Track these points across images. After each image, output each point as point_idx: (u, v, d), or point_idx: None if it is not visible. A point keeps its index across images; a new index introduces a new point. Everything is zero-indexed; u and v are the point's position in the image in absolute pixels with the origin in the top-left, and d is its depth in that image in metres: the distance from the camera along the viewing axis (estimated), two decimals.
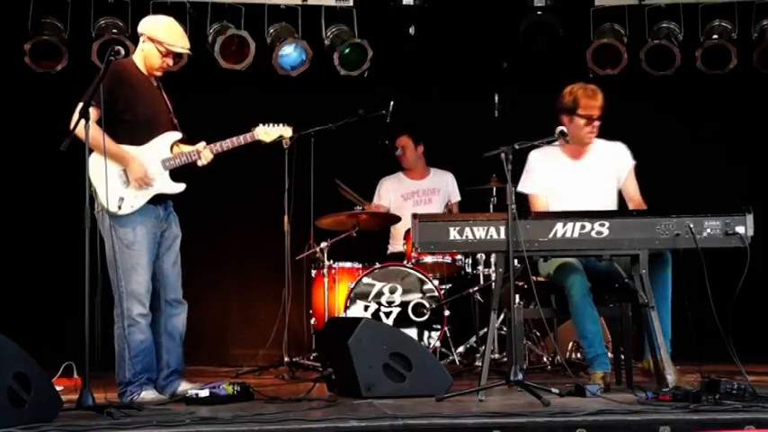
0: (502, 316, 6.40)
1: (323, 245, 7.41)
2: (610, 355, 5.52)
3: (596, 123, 5.49)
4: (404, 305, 7.12)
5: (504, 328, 6.68)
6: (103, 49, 6.90)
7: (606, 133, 5.63)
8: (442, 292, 7.23)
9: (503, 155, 5.04)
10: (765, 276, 6.71)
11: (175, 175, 5.33)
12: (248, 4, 7.76)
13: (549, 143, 5.34)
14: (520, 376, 4.74)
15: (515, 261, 5.00)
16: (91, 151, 4.95)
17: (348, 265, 7.44)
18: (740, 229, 4.98)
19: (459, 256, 7.31)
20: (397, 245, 7.87)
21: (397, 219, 7.76)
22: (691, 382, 5.01)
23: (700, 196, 7.66)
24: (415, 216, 5.13)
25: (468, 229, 5.05)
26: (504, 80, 8.16)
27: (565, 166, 5.60)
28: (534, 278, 5.19)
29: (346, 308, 7.05)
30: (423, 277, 7.15)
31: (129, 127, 5.21)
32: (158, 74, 5.39)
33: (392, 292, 7.13)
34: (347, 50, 7.87)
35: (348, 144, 7.81)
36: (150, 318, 5.22)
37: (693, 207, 5.05)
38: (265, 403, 4.91)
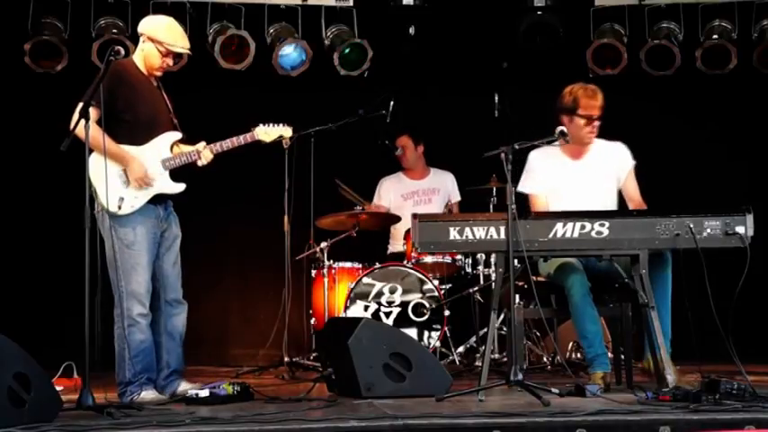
0: (502, 316, 6.40)
1: (323, 245, 7.41)
2: (610, 355, 5.52)
3: (596, 123, 5.49)
4: (404, 305, 7.12)
5: (504, 328, 6.68)
6: (103, 49, 6.90)
7: (606, 133, 5.64)
8: (442, 292, 7.23)
9: (503, 155, 5.04)
10: (765, 276, 6.71)
11: (175, 175, 5.33)
12: (248, 4, 7.76)
13: (548, 143, 5.34)
14: (520, 376, 4.74)
15: (515, 261, 5.00)
16: (91, 151, 4.95)
17: (348, 265, 7.43)
18: (740, 229, 4.98)
19: (459, 256, 7.31)
20: (397, 245, 7.87)
21: (397, 219, 7.77)
22: (691, 381, 5.01)
23: (700, 196, 7.66)
24: (414, 216, 5.13)
25: (468, 229, 5.05)
26: (504, 80, 8.16)
27: (565, 165, 5.60)
28: (534, 278, 5.19)
29: (346, 308, 7.05)
30: (423, 277, 7.15)
31: (129, 127, 5.21)
32: (158, 74, 5.39)
33: (392, 292, 7.13)
34: (347, 50, 7.86)
35: (348, 144, 7.81)
36: (150, 318, 5.22)
37: (693, 207, 5.05)
38: (265, 403, 4.91)
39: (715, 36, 7.83)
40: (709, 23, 7.85)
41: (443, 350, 7.25)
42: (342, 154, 7.94)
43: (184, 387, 5.25)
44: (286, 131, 5.62)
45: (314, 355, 7.23)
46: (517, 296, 5.55)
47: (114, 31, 7.54)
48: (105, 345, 5.18)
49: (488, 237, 5.04)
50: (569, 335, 6.87)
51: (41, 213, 7.87)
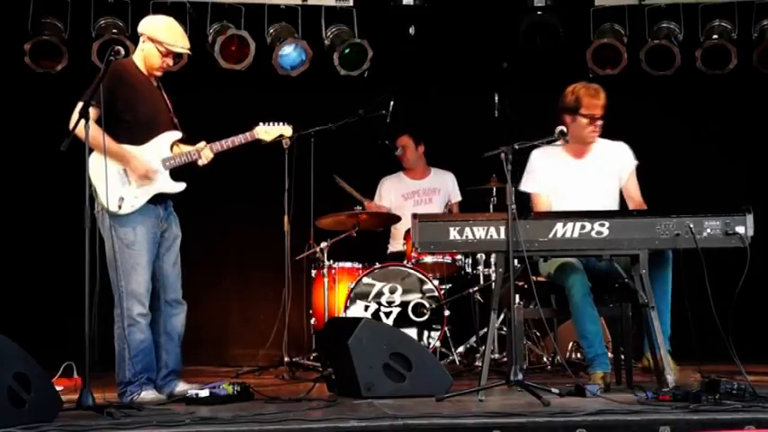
0: (502, 316, 6.41)
1: (323, 245, 7.41)
2: (610, 355, 5.52)
3: (599, 122, 5.49)
4: (404, 305, 7.12)
5: (504, 328, 6.68)
6: (103, 49, 6.90)
7: (606, 133, 5.63)
8: (442, 292, 7.23)
9: (503, 155, 5.04)
10: (765, 276, 6.71)
11: (176, 174, 5.33)
12: (248, 4, 7.76)
13: (548, 143, 5.34)
14: (520, 376, 4.74)
15: (515, 261, 5.00)
16: (91, 151, 4.95)
17: (348, 265, 7.43)
18: (740, 229, 4.98)
19: (459, 256, 7.31)
20: (397, 244, 7.87)
21: (397, 218, 7.77)
22: (690, 377, 5.01)
23: (700, 196, 7.66)
24: (414, 216, 5.13)
25: (468, 229, 5.05)
26: (504, 80, 8.16)
27: (567, 164, 5.60)
28: (534, 278, 5.19)
29: (346, 308, 7.05)
30: (423, 277, 7.15)
31: (129, 127, 5.21)
32: (158, 74, 5.39)
33: (392, 292, 7.13)
34: (347, 50, 7.86)
35: (348, 144, 7.81)
36: (150, 317, 5.21)
37: (693, 207, 5.05)
38: (265, 403, 4.91)
39: (715, 36, 7.83)
40: (709, 23, 7.85)
41: (443, 350, 7.25)
42: (342, 154, 7.94)
43: (182, 387, 5.25)
44: (286, 130, 5.63)
45: (314, 355, 7.22)
46: (517, 296, 5.54)
47: (114, 31, 7.54)
48: (105, 345, 5.17)
49: (488, 237, 5.04)
50: (569, 335, 6.87)
51: (41, 213, 7.87)
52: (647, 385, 5.11)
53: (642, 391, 4.79)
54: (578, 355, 6.85)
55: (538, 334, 7.14)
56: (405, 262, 7.30)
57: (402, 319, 7.08)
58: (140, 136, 5.24)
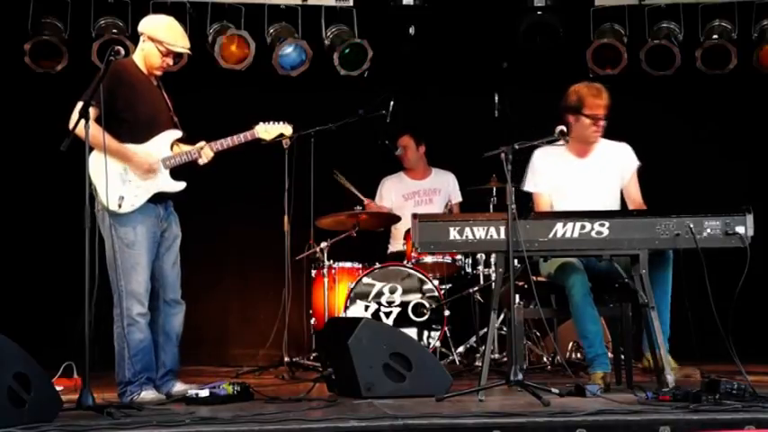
0: (502, 316, 6.41)
1: (323, 245, 7.41)
2: (610, 355, 5.52)
3: (602, 123, 5.50)
4: (404, 305, 7.12)
5: (504, 328, 6.68)
6: (103, 49, 6.90)
7: (606, 133, 5.64)
8: (442, 292, 7.23)
9: (503, 155, 5.04)
10: (765, 276, 6.71)
11: (176, 173, 5.33)
12: (248, 4, 7.76)
13: (549, 143, 5.34)
14: (520, 376, 4.74)
15: (515, 261, 5.00)
16: (91, 150, 4.95)
17: (348, 265, 7.43)
18: (740, 229, 4.98)
19: (459, 256, 7.31)
20: (397, 244, 7.87)
21: (397, 218, 7.77)
22: (691, 374, 5.01)
23: (700, 196, 7.66)
24: (415, 216, 5.13)
25: (468, 229, 5.05)
26: (504, 80, 8.16)
27: (570, 164, 5.60)
28: (534, 278, 5.19)
29: (346, 308, 7.05)
30: (423, 277, 7.15)
31: (130, 126, 5.21)
32: (158, 73, 5.39)
33: (392, 292, 7.13)
34: (347, 50, 7.86)
35: (348, 144, 7.81)
36: (149, 317, 5.21)
37: (693, 207, 5.05)
38: (265, 403, 4.91)
39: (715, 36, 7.83)
40: (709, 23, 7.85)
41: (443, 350, 7.25)
42: (342, 154, 7.94)
43: (179, 388, 5.26)
44: (286, 129, 5.63)
45: (314, 355, 7.22)
46: (517, 296, 5.54)
47: (114, 31, 7.54)
48: (105, 345, 5.18)
49: (488, 237, 5.04)
50: (569, 335, 6.87)
51: (41, 213, 7.87)
52: (647, 385, 5.11)
53: (642, 391, 4.79)
54: (578, 355, 6.84)
55: (538, 334, 7.14)
56: (405, 262, 7.30)
57: (402, 319, 7.08)
58: (140, 135, 5.24)
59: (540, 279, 5.50)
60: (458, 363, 7.16)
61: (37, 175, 7.84)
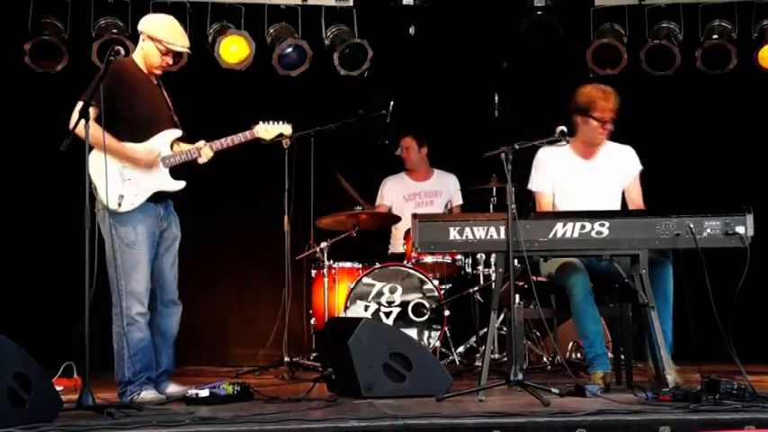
0: (502, 316, 6.41)
1: (323, 245, 7.40)
2: (610, 355, 5.52)
3: (609, 126, 5.49)
4: (404, 305, 7.12)
5: (504, 328, 6.68)
6: (103, 49, 6.90)
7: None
8: (442, 292, 7.23)
9: (503, 155, 5.04)
10: (765, 276, 6.71)
11: (175, 172, 5.33)
12: (248, 4, 7.75)
13: (549, 143, 5.33)
14: (520, 376, 4.75)
15: (515, 261, 5.00)
16: (91, 149, 4.95)
17: (348, 265, 7.43)
18: (740, 229, 4.98)
19: (459, 256, 7.31)
20: (397, 245, 7.87)
21: (397, 219, 7.77)
22: (689, 379, 5.01)
23: (700, 196, 7.66)
24: (414, 216, 5.13)
25: (468, 229, 5.05)
26: (504, 80, 8.17)
27: (575, 165, 5.60)
28: (534, 278, 5.19)
29: (346, 308, 7.05)
30: (423, 277, 7.15)
31: (129, 125, 5.20)
32: (158, 72, 5.39)
33: (392, 292, 7.13)
34: (347, 50, 7.86)
35: (348, 144, 7.81)
36: (149, 317, 5.21)
37: (693, 207, 5.05)
38: (265, 403, 4.91)
39: (715, 36, 7.83)
40: (709, 23, 7.85)
41: (443, 350, 7.24)
42: (342, 154, 7.94)
43: (173, 389, 5.25)
44: (286, 129, 5.63)
45: (314, 355, 7.22)
46: (517, 296, 5.54)
47: (114, 31, 7.54)
48: (105, 345, 5.17)
49: (488, 237, 5.04)
50: (569, 335, 6.87)
51: (41, 213, 7.88)
52: (647, 385, 5.11)
53: (642, 391, 4.79)
54: (578, 355, 6.85)
55: (538, 334, 7.14)
56: (405, 262, 7.30)
57: (402, 319, 7.08)
58: (140, 134, 5.24)
59: (540, 279, 5.50)
60: (458, 363, 7.16)
61: (37, 175, 7.85)
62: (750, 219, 5.00)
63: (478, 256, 7.31)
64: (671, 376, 4.96)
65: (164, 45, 5.28)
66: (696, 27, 7.85)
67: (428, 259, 7.28)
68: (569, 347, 6.98)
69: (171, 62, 5.41)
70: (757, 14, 7.79)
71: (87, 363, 4.57)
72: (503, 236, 5.00)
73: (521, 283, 5.47)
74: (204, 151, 5.35)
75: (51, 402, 4.31)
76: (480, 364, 6.23)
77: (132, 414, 4.46)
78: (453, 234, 5.05)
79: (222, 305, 8.46)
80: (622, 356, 5.60)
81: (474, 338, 7.40)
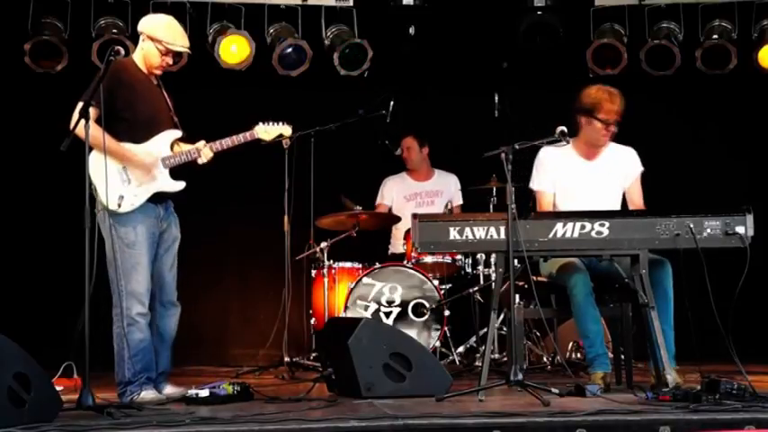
0: (502, 316, 6.41)
1: (323, 245, 7.40)
2: (610, 355, 5.52)
3: (613, 128, 5.49)
4: (404, 305, 7.12)
5: (504, 328, 6.68)
6: (103, 49, 6.90)
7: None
8: (442, 292, 7.23)
9: (503, 155, 5.04)
10: (765, 276, 6.71)
11: (175, 173, 5.32)
12: (248, 4, 7.75)
13: (549, 143, 5.33)
14: (520, 376, 4.75)
15: (515, 261, 5.00)
16: (91, 149, 4.95)
17: (348, 265, 7.43)
18: (740, 229, 4.98)
19: (459, 256, 7.30)
20: (397, 245, 7.87)
21: (397, 219, 7.77)
22: (690, 381, 5.01)
23: (700, 196, 7.66)
24: (414, 216, 5.13)
25: (468, 229, 5.05)
26: (504, 80, 8.17)
27: (578, 165, 5.60)
28: (534, 278, 5.19)
29: (346, 308, 7.05)
30: (423, 277, 7.15)
31: (129, 125, 5.20)
32: (158, 72, 5.38)
33: (392, 292, 7.13)
34: (347, 50, 7.86)
35: (348, 144, 7.81)
36: (149, 317, 5.20)
37: (693, 207, 5.05)
38: (265, 403, 4.91)
39: (715, 36, 7.83)
40: (709, 23, 7.85)
41: (443, 350, 7.24)
42: (342, 154, 7.94)
43: (169, 390, 5.24)
44: (286, 130, 5.62)
45: (314, 355, 7.22)
46: (517, 296, 5.54)
47: (114, 31, 7.54)
48: (105, 345, 5.17)
49: (488, 237, 5.04)
50: (569, 335, 6.87)
51: (41, 213, 7.87)
52: (646, 385, 5.11)
53: (642, 391, 4.79)
54: (578, 355, 6.85)
55: (538, 334, 7.14)
56: (405, 262, 7.30)
57: (402, 319, 7.08)
58: (140, 135, 5.24)
59: (540, 279, 5.50)
60: (458, 363, 7.16)
61: (37, 175, 7.85)
62: (750, 219, 5.00)
63: (478, 256, 7.31)
64: (671, 376, 4.96)
65: (163, 45, 5.28)
66: (696, 27, 7.85)
67: (428, 259, 7.28)
68: (569, 347, 6.98)
69: (171, 62, 5.41)
70: (757, 14, 7.79)
71: (87, 363, 4.58)
72: (503, 236, 5.00)
73: (521, 283, 5.47)
74: (204, 152, 5.35)
75: (51, 402, 4.31)
76: (480, 364, 6.24)
77: (132, 414, 4.46)
78: (453, 234, 5.05)
79: (222, 305, 8.46)
80: (622, 356, 5.60)
81: (474, 338, 7.40)
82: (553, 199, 5.59)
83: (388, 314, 7.10)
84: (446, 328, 7.11)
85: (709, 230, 5.00)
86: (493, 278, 6.07)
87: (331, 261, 7.37)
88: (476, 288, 7.32)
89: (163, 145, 5.31)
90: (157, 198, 5.26)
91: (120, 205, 5.13)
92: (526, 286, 5.48)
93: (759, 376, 5.48)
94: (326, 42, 7.94)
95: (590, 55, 7.90)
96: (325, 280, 7.31)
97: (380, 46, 7.91)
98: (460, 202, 7.98)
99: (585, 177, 5.57)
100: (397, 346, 5.11)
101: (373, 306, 7.10)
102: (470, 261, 7.37)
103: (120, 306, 5.11)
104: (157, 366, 5.29)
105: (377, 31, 7.96)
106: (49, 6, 7.53)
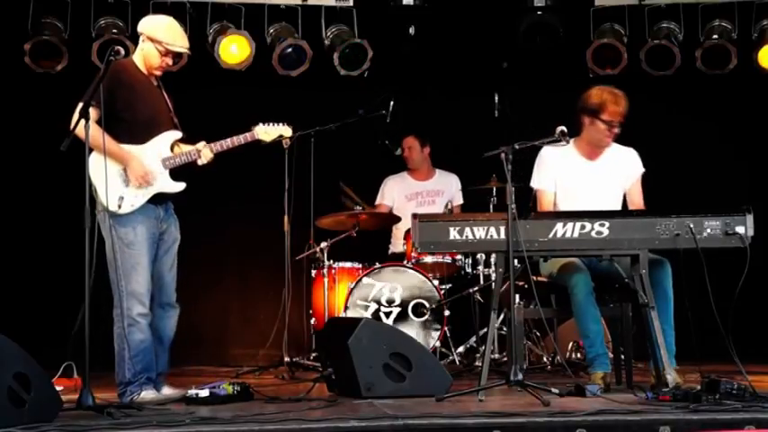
0: (502, 316, 6.41)
1: (323, 245, 7.40)
2: (610, 355, 5.52)
3: (616, 130, 5.49)
4: (404, 305, 7.12)
5: (504, 328, 6.68)
6: (103, 49, 6.90)
7: None
8: (442, 292, 7.23)
9: (503, 155, 5.04)
10: (765, 276, 6.71)
11: (176, 174, 5.32)
12: (248, 4, 7.76)
13: (549, 143, 5.33)
14: (520, 376, 4.75)
15: (515, 261, 4.99)
16: (91, 151, 4.95)
17: (348, 265, 7.43)
18: (740, 229, 4.98)
19: (459, 256, 7.30)
20: (398, 244, 7.87)
21: (397, 219, 7.77)
22: (689, 381, 5.01)
23: (700, 196, 7.66)
24: (414, 216, 5.13)
25: (468, 229, 5.05)
26: (504, 80, 8.16)
27: (579, 165, 5.59)
28: (534, 278, 5.19)
29: (346, 308, 7.05)
30: (423, 277, 7.15)
31: (129, 126, 5.20)
32: (158, 73, 5.38)
33: (392, 292, 7.13)
34: (347, 50, 7.86)
35: (348, 144, 7.81)
36: (150, 317, 5.20)
37: (693, 207, 5.05)
38: (265, 403, 4.91)
39: (715, 36, 7.83)
40: (709, 23, 7.85)
41: (443, 350, 7.24)
42: (342, 154, 7.94)
43: (167, 391, 5.24)
44: (286, 131, 5.62)
45: (314, 355, 7.22)
46: (517, 296, 5.54)
47: (114, 31, 7.54)
48: (105, 345, 5.17)
49: (488, 237, 5.04)
50: (569, 335, 6.87)
51: (41, 213, 7.87)
52: (646, 385, 5.11)
53: (642, 391, 4.79)
54: (578, 355, 6.85)
55: (538, 334, 7.14)
56: (405, 262, 7.30)
57: (402, 319, 7.08)
58: (140, 135, 5.23)
59: (540, 279, 5.50)
60: (458, 363, 7.16)
61: (37, 175, 7.85)
62: (750, 219, 5.00)
63: (478, 256, 7.31)
64: (671, 376, 4.96)
65: (163, 46, 5.27)
66: (696, 27, 7.86)
67: (428, 259, 7.28)
68: (569, 347, 6.98)
69: (171, 63, 5.41)
70: (757, 14, 7.79)
71: (87, 363, 4.58)
72: (503, 236, 5.00)
73: (521, 283, 5.47)
74: (204, 153, 5.35)
75: (51, 402, 4.31)
76: (480, 364, 6.23)
77: (132, 414, 4.46)
78: (453, 234, 5.05)
79: (222, 305, 8.46)
80: (622, 356, 5.60)
81: (474, 338, 7.40)
82: (554, 198, 5.59)
83: (388, 314, 7.10)
84: (446, 328, 7.11)
85: (709, 230, 5.00)
86: (493, 278, 6.06)
87: (331, 261, 7.37)
88: (476, 288, 7.32)
89: (163, 146, 5.30)
90: (158, 199, 5.26)
91: (120, 206, 5.13)
92: (526, 286, 5.48)
93: (759, 376, 5.48)
94: (326, 42, 7.94)
95: (590, 55, 7.90)
96: (325, 280, 7.31)
97: (380, 46, 7.91)
98: (461, 201, 7.98)
99: (587, 177, 5.57)
100: (397, 346, 5.11)
101: (373, 306, 7.10)
102: (470, 261, 7.38)
103: (121, 306, 5.11)
104: (156, 368, 5.30)
105: (377, 31, 7.96)
106: (48, 6, 7.53)
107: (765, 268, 6.13)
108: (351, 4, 7.84)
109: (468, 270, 7.38)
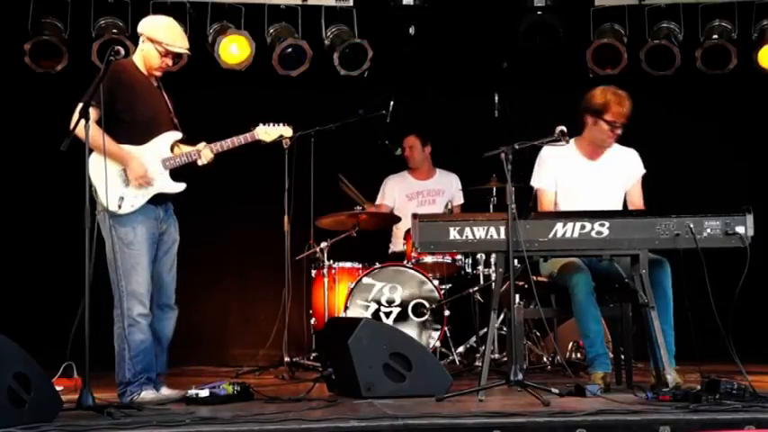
0: (502, 316, 6.41)
1: (323, 245, 7.40)
2: (610, 354, 5.52)
3: (619, 131, 5.49)
4: (404, 305, 7.12)
5: (504, 328, 6.68)
6: (103, 49, 6.90)
7: None
8: (442, 292, 7.23)
9: (503, 155, 5.04)
10: (765, 276, 6.71)
11: (176, 174, 5.32)
12: (248, 4, 7.76)
13: (549, 143, 5.33)
14: (520, 376, 4.75)
15: (515, 261, 4.99)
16: (91, 151, 4.95)
17: (348, 265, 7.43)
18: (740, 229, 4.98)
19: (459, 256, 7.30)
20: (398, 244, 7.87)
21: (397, 219, 7.77)
22: (690, 381, 5.01)
23: (700, 196, 7.66)
24: (415, 216, 5.13)
25: (468, 229, 5.05)
26: (504, 80, 8.17)
27: (580, 165, 5.59)
28: (535, 278, 5.19)
29: (346, 308, 7.05)
30: (423, 277, 7.15)
31: (129, 127, 5.20)
32: (158, 74, 5.38)
33: (392, 291, 7.13)
34: (347, 50, 7.86)
35: (348, 144, 7.81)
36: (150, 318, 5.20)
37: (693, 207, 5.05)
38: (265, 403, 4.91)
39: (715, 36, 7.83)
40: (709, 23, 7.85)
41: (443, 350, 7.24)
42: (342, 154, 7.94)
43: (165, 392, 5.23)
44: (286, 131, 5.62)
45: (314, 355, 7.22)
46: (517, 296, 5.54)
47: (114, 31, 7.54)
48: (105, 345, 5.17)
49: (488, 237, 5.04)
50: (569, 335, 6.87)
51: (41, 213, 7.87)
52: (646, 385, 5.11)
53: (642, 391, 4.79)
54: (578, 355, 6.85)
55: (538, 334, 7.14)
56: (405, 262, 7.30)
57: (402, 319, 7.08)
58: (140, 136, 5.23)
59: (540, 279, 5.50)
60: (458, 363, 7.16)
61: (37, 176, 7.85)
62: (750, 219, 5.00)
63: (478, 256, 7.31)
64: (671, 376, 4.96)
65: (163, 47, 5.27)
66: (696, 27, 7.85)
67: (428, 259, 7.28)
68: (569, 347, 6.98)
69: (170, 63, 5.41)
70: (757, 14, 7.79)
71: (87, 363, 4.58)
72: (503, 236, 5.00)
73: (521, 283, 5.47)
74: (204, 153, 5.34)
75: (51, 402, 4.31)
76: (480, 364, 6.23)
77: (132, 414, 4.47)
78: (453, 234, 5.05)
79: (222, 305, 8.46)
80: (622, 356, 5.60)
81: (474, 338, 7.40)
82: (554, 197, 5.59)
83: (388, 314, 7.10)
84: (446, 328, 7.11)
85: (709, 230, 5.00)
86: (493, 278, 6.06)
87: (331, 261, 7.37)
88: (476, 288, 7.32)
89: (163, 146, 5.30)
90: (158, 199, 5.26)
91: (120, 206, 5.13)
92: (526, 286, 5.48)
93: (759, 376, 5.48)
94: (326, 42, 7.94)
95: (590, 55, 7.90)
96: (325, 280, 7.31)
97: (380, 46, 7.91)
98: (461, 201, 7.99)
99: (588, 177, 5.57)
100: (397, 346, 5.11)
101: (373, 306, 7.11)
102: (470, 261, 7.38)
103: (121, 307, 5.11)
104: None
105: (377, 31, 7.96)
106: (48, 6, 7.53)
107: (765, 268, 6.13)
108: (351, 4, 7.84)
109: (468, 270, 7.38)
